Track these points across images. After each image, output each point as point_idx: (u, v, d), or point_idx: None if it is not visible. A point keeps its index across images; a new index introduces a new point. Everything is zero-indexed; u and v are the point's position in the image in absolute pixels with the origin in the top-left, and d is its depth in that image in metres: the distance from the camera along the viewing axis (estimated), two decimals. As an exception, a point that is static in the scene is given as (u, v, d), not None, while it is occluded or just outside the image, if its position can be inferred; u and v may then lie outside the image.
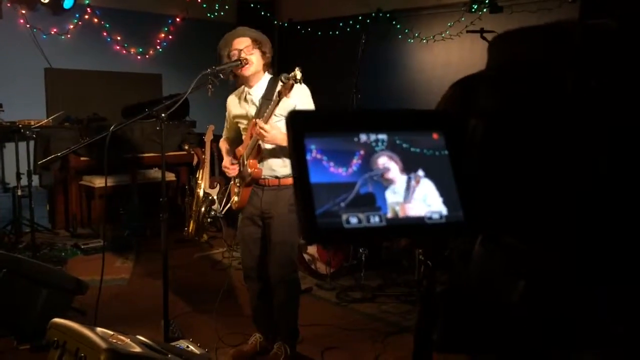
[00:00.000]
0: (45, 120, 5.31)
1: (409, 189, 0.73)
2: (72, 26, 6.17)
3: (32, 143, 5.36)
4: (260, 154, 2.93)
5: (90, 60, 6.31)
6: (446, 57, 5.79)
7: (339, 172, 0.71)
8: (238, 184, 3.09)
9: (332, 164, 0.71)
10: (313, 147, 0.71)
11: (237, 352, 3.23)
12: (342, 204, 0.69)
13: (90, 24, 6.29)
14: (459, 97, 0.83)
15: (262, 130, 2.77)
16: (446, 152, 0.76)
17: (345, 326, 3.65)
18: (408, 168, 0.74)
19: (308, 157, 0.70)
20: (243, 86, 3.07)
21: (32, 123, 5.13)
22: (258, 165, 2.96)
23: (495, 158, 0.77)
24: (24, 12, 5.84)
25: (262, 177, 2.97)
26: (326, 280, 4.36)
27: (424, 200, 0.73)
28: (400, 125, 0.77)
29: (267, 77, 3.01)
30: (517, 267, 0.76)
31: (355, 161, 0.73)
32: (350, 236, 0.71)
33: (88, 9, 6.23)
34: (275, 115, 2.87)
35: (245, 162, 2.99)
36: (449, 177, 0.75)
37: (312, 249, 4.43)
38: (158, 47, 6.82)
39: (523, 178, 0.75)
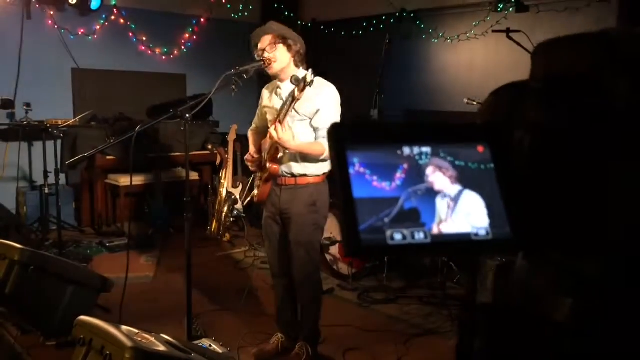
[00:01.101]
0: (73, 120, 5.39)
1: (455, 203, 0.71)
2: (98, 27, 6.25)
3: (59, 142, 5.47)
4: (279, 151, 2.93)
5: (116, 61, 6.39)
6: (471, 57, 5.74)
7: (383, 187, 0.70)
8: (260, 177, 3.11)
9: (375, 178, 0.70)
10: (356, 160, 0.69)
11: (259, 352, 3.23)
12: (386, 220, 0.68)
13: (117, 25, 6.37)
14: (503, 107, 0.80)
15: (273, 134, 2.78)
16: (492, 165, 0.74)
17: (367, 327, 3.63)
18: (455, 180, 0.72)
19: (351, 171, 0.69)
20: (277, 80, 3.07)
21: (60, 122, 5.21)
22: (275, 162, 2.95)
23: (544, 172, 0.74)
24: (52, 13, 5.93)
25: (280, 174, 2.97)
26: (348, 281, 4.35)
27: (469, 215, 0.71)
28: (444, 138, 0.75)
29: (300, 72, 2.97)
30: (564, 285, 0.73)
31: (399, 175, 0.71)
32: (394, 252, 0.69)
33: (114, 9, 6.31)
34: (299, 114, 2.87)
35: (265, 157, 3.00)
36: (495, 192, 0.72)
37: (334, 250, 4.42)
38: (182, 47, 6.87)
39: (572, 193, 0.72)
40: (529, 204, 0.72)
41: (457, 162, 0.73)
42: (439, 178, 0.72)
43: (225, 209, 5.37)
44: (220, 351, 3.27)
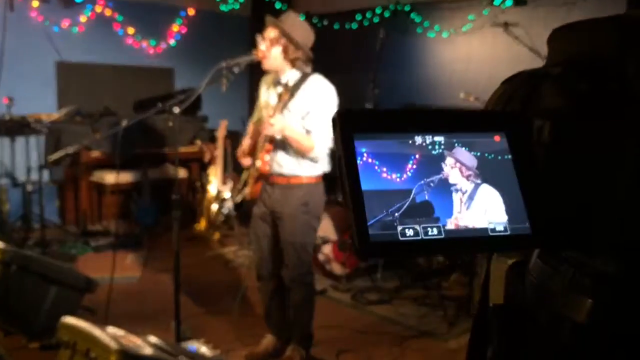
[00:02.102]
0: (56, 115, 5.24)
1: (470, 197, 0.66)
2: (84, 18, 6.09)
3: (43, 137, 5.32)
4: (271, 146, 2.86)
5: (102, 54, 6.23)
6: (467, 51, 5.65)
7: (393, 179, 0.64)
8: (251, 175, 3.02)
9: (385, 169, 0.64)
10: (364, 150, 0.63)
11: (249, 354, 3.15)
12: (397, 214, 0.62)
13: (102, 16, 6.21)
14: (520, 95, 0.73)
15: (268, 124, 2.74)
16: (510, 156, 0.68)
17: (361, 329, 3.55)
18: (463, 174, 0.67)
19: (359, 162, 0.63)
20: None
21: (43, 117, 5.06)
22: (266, 160, 2.88)
23: (564, 163, 0.68)
24: (35, 4, 5.76)
25: (270, 173, 2.89)
26: (341, 281, 4.25)
27: (486, 210, 0.66)
28: (459, 126, 0.69)
29: (294, 73, 2.88)
30: (583, 284, 0.67)
31: (411, 166, 0.65)
32: (406, 250, 0.63)
33: (100, 0, 6.15)
34: (290, 112, 2.80)
35: (257, 155, 2.92)
36: (514, 184, 0.67)
37: (327, 249, 4.31)
38: (171, 40, 6.73)
39: (595, 186, 0.66)
40: (549, 198, 0.67)
41: (472, 153, 0.68)
42: (456, 172, 0.67)
43: (215, 207, 5.25)
44: (209, 353, 3.18)
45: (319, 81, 2.85)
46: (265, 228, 3.01)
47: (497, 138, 0.69)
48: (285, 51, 2.83)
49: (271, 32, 2.84)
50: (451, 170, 0.66)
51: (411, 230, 0.62)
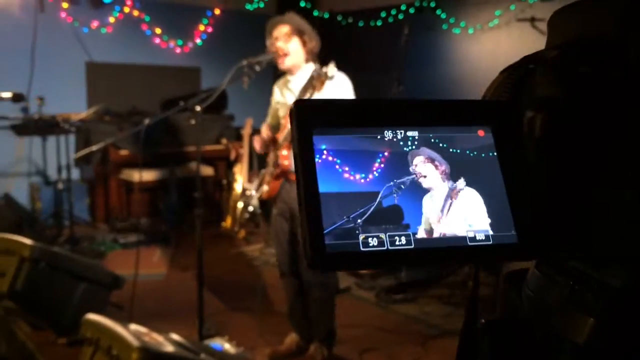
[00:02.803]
0: (84, 114, 5.33)
1: (447, 201, 0.58)
2: (112, 19, 6.19)
3: (73, 136, 5.43)
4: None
5: (130, 54, 6.32)
6: (494, 47, 5.56)
7: (357, 180, 0.56)
8: (270, 173, 3.03)
9: (347, 168, 0.56)
10: (324, 147, 0.56)
11: (273, 353, 3.15)
12: (359, 221, 0.54)
13: (131, 17, 6.30)
14: (511, 83, 0.64)
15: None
16: (495, 153, 0.60)
17: (385, 327, 3.52)
18: (447, 175, 0.59)
19: (317, 160, 0.55)
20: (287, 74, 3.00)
21: (72, 116, 5.16)
22: (284, 154, 2.88)
23: (558, 161, 0.59)
24: (65, 5, 5.87)
25: (290, 170, 2.89)
26: (365, 279, 4.23)
27: (465, 215, 0.58)
28: (437, 119, 0.61)
29: (310, 66, 2.91)
30: (584, 300, 0.59)
31: (378, 165, 0.57)
32: (368, 262, 0.56)
33: (128, 1, 6.23)
34: None
35: (278, 153, 2.92)
36: (499, 186, 0.59)
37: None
38: (197, 39, 6.79)
39: (596, 187, 0.57)
40: (540, 202, 0.59)
41: (451, 150, 0.59)
42: (429, 170, 0.59)
43: (241, 205, 5.27)
44: (233, 351, 3.20)
45: (342, 77, 2.86)
46: (284, 225, 3.01)
47: (481, 132, 0.61)
48: (303, 43, 2.86)
49: (283, 29, 2.86)
50: (423, 165, 0.58)
51: (375, 239, 0.54)
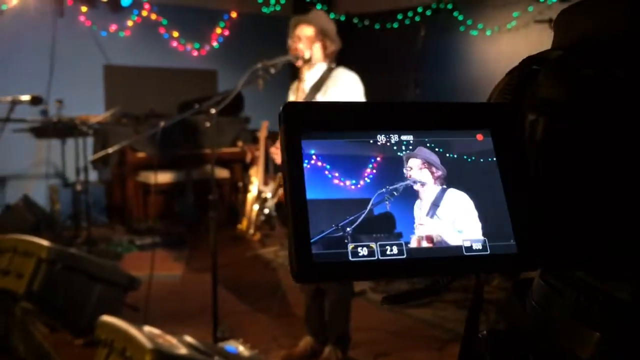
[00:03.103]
0: (101, 117, 5.39)
1: (443, 209, 0.55)
2: (130, 23, 6.25)
3: (91, 138, 5.49)
4: None
5: (148, 57, 6.38)
6: (512, 49, 5.50)
7: (347, 186, 0.54)
8: None
9: (337, 174, 0.54)
10: (313, 151, 0.53)
11: (287, 355, 3.14)
12: (349, 229, 0.52)
13: (148, 21, 6.35)
14: (513, 85, 0.61)
15: None
16: (494, 158, 0.57)
17: (400, 332, 3.50)
18: (441, 180, 0.56)
19: (305, 165, 0.53)
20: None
21: (90, 119, 5.21)
22: None
23: (561, 166, 0.56)
24: (84, 9, 5.94)
25: None
26: (381, 283, 4.21)
27: (460, 224, 0.55)
28: (433, 123, 0.58)
29: (322, 65, 2.91)
30: (590, 313, 0.55)
31: (370, 171, 0.55)
32: (358, 273, 0.53)
33: (146, 5, 6.29)
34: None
35: None
36: (498, 193, 0.56)
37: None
38: (214, 43, 6.82)
39: (601, 193, 0.54)
40: (541, 209, 0.56)
41: (448, 155, 0.56)
42: (425, 176, 0.56)
43: (256, 207, 5.28)
44: (247, 353, 3.20)
45: (345, 74, 2.86)
46: None
47: (479, 137, 0.58)
48: (324, 47, 2.87)
49: (306, 31, 2.86)
50: (420, 172, 0.55)
51: (365, 248, 0.51)
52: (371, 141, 0.55)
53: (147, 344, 2.24)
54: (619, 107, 0.53)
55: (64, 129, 5.07)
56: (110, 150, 2.94)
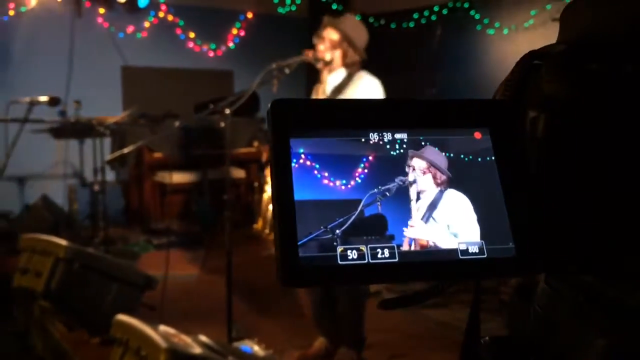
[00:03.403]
0: (119, 117, 5.43)
1: (438, 211, 0.53)
2: (147, 24, 6.30)
3: (109, 139, 5.54)
4: None
5: (165, 58, 6.43)
6: (529, 48, 5.24)
7: (337, 186, 0.52)
8: None
9: (326, 174, 0.52)
10: (301, 150, 0.52)
11: (302, 356, 3.14)
12: (338, 231, 0.50)
13: (165, 22, 6.40)
14: (514, 80, 0.58)
15: None
16: (493, 157, 0.55)
17: (415, 333, 3.48)
18: (437, 180, 0.54)
19: (294, 165, 0.51)
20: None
21: (108, 120, 5.26)
22: None
23: (563, 165, 0.53)
24: (102, 11, 6.00)
25: None
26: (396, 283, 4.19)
27: (456, 226, 0.53)
28: (428, 120, 0.55)
29: (342, 71, 2.90)
30: (596, 319, 0.53)
31: (361, 170, 0.53)
32: (347, 277, 0.50)
33: (162, 6, 6.33)
34: None
35: None
36: (496, 194, 0.54)
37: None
38: (230, 43, 6.85)
39: (605, 193, 0.51)
40: (542, 211, 0.53)
41: (444, 154, 0.55)
42: (427, 181, 0.53)
43: (272, 207, 5.29)
44: (262, 354, 3.20)
45: (366, 78, 2.85)
46: None
47: (477, 135, 0.55)
48: (345, 55, 2.86)
49: (332, 34, 2.86)
50: (422, 176, 0.53)
51: (355, 251, 0.49)
52: (363, 140, 0.54)
53: (162, 343, 2.24)
54: (626, 103, 0.51)
55: (81, 130, 5.12)
56: (125, 150, 2.96)
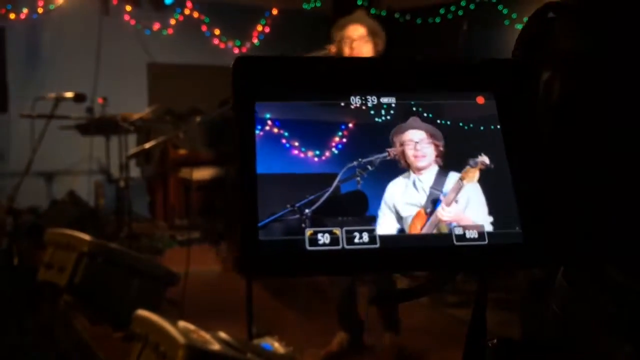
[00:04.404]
0: (143, 113, 5.47)
1: (425, 187, 0.45)
2: (173, 21, 6.34)
3: (134, 136, 5.59)
4: None
5: (190, 54, 6.46)
6: (557, 42, 5.33)
7: (309, 158, 0.45)
8: None
9: (297, 143, 0.45)
10: (268, 115, 0.44)
11: (326, 354, 3.13)
12: (307, 211, 0.42)
13: (191, 19, 6.43)
14: (526, 36, 0.50)
15: None
16: (498, 126, 0.47)
17: (439, 331, 3.42)
18: (440, 151, 0.47)
19: (258, 133, 0.44)
20: None
21: (134, 116, 5.30)
22: None
23: (582, 134, 0.44)
24: (129, 9, 6.05)
25: None
26: (420, 279, 4.13)
27: (458, 206, 0.45)
28: (422, 83, 0.47)
29: None
30: (620, 320, 0.46)
31: (338, 140, 0.45)
32: (316, 266, 0.42)
33: (188, 3, 6.36)
34: None
35: None
36: (501, 169, 0.46)
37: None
38: (255, 40, 6.85)
39: (630, 169, 0.43)
40: (556, 189, 0.44)
41: (440, 122, 0.46)
42: (429, 154, 0.45)
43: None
44: (282, 350, 3.18)
45: None
46: None
47: (480, 99, 0.48)
48: (375, 44, 2.89)
49: (359, 30, 2.86)
50: (424, 147, 0.45)
51: (327, 235, 0.42)
52: (342, 104, 0.46)
53: (181, 339, 2.24)
54: None
55: (106, 126, 5.18)
56: (146, 146, 2.97)
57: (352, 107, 0.46)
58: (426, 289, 0.52)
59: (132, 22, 6.09)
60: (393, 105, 0.46)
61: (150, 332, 2.37)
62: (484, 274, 0.52)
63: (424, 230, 0.44)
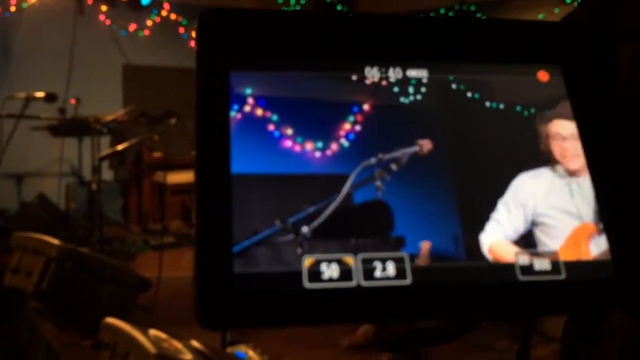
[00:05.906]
0: (117, 115, 5.37)
1: (507, 200, 0.32)
2: (150, 22, 6.25)
3: (108, 138, 5.47)
4: None
5: (167, 57, 6.38)
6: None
7: (306, 152, 0.31)
8: None
9: (290, 131, 0.31)
10: (248, 91, 0.30)
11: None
12: (305, 230, 0.30)
13: (168, 20, 6.35)
14: (594, 4, 0.40)
15: None
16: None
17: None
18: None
19: (234, 115, 0.30)
20: None
21: (107, 118, 5.20)
22: None
23: None
24: (104, 9, 5.95)
25: None
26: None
27: (510, 224, 0.31)
28: (462, 51, 0.33)
29: None
30: None
31: (350, 127, 0.31)
32: (320, 311, 0.29)
33: (165, 4, 6.28)
34: None
35: None
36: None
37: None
38: (234, 43, 6.82)
39: None
40: None
41: (488, 104, 0.33)
42: (575, 147, 0.32)
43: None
44: (257, 359, 3.13)
45: None
46: None
47: (542, 75, 0.34)
48: None
49: None
50: (561, 147, 0.33)
51: (335, 266, 0.28)
52: (354, 77, 0.32)
53: (151, 348, 2.16)
54: None
55: (79, 127, 5.06)
56: (118, 147, 2.89)
57: (368, 81, 0.32)
58: (460, 331, 0.42)
59: (108, 22, 5.99)
60: (424, 80, 0.33)
61: (120, 340, 2.29)
62: (532, 323, 0.41)
63: (594, 253, 0.29)
